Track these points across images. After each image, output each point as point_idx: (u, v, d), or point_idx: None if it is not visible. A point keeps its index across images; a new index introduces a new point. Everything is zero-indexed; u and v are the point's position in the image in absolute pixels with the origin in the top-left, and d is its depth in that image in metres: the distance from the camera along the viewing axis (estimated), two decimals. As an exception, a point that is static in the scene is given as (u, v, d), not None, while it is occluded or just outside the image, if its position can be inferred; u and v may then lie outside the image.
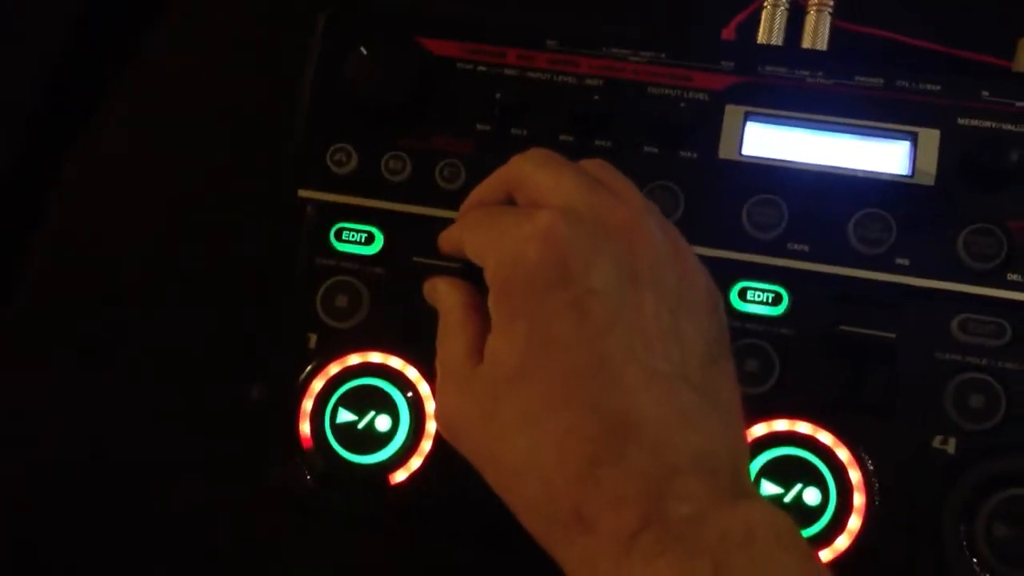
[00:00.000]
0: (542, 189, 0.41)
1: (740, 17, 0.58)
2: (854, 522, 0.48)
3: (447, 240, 0.46)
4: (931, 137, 0.50)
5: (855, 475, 0.48)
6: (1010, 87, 0.50)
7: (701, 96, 0.51)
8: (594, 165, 0.43)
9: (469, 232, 0.43)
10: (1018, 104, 0.50)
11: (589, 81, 0.52)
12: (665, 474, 0.35)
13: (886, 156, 0.50)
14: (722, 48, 0.53)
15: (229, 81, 0.63)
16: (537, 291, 0.38)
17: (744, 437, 0.40)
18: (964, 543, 0.47)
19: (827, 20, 0.55)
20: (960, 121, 0.50)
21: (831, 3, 0.56)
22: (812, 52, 0.55)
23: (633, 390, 0.36)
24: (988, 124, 0.50)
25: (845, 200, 0.50)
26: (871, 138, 0.50)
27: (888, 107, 0.50)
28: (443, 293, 0.45)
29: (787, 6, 0.56)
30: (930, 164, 0.49)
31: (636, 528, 0.34)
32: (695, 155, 0.51)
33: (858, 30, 0.57)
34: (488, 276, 0.40)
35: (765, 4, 0.57)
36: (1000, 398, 0.48)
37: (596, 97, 0.51)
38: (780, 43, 0.56)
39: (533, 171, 0.42)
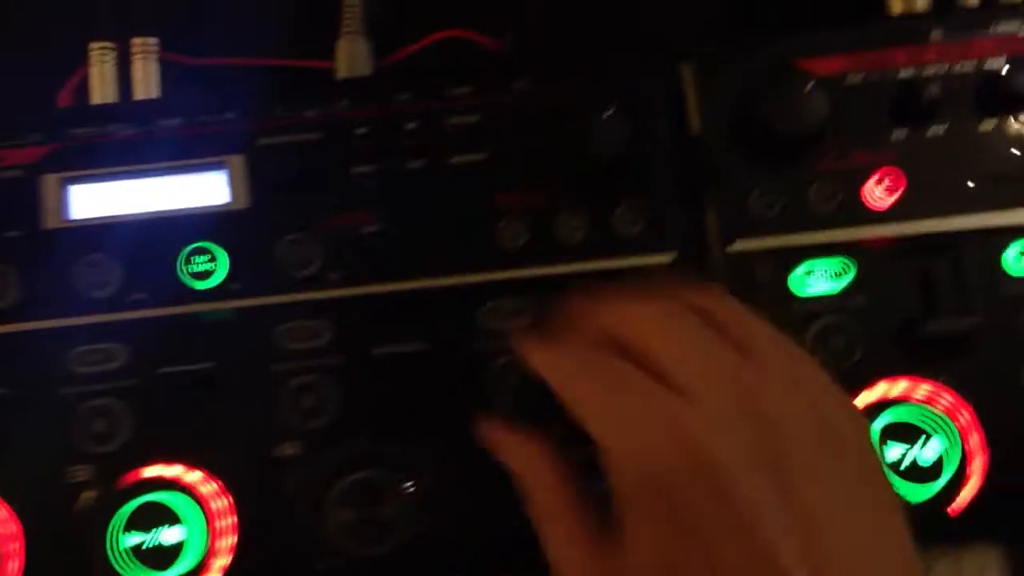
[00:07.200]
0: (665, 360, 0.38)
1: (72, 82, 0.57)
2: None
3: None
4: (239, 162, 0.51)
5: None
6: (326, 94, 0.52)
7: (15, 172, 0.50)
8: (711, 301, 0.41)
9: (583, 396, 0.39)
10: (341, 108, 0.51)
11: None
12: None
13: (205, 188, 0.51)
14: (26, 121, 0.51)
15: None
16: (675, 490, 0.36)
17: None
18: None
19: (154, 65, 0.56)
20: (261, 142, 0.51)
21: (155, 48, 0.56)
22: (108, 107, 0.55)
23: None
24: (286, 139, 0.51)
25: (173, 239, 0.50)
26: (187, 174, 0.51)
27: (196, 143, 0.51)
28: (532, 466, 0.42)
29: (114, 60, 0.56)
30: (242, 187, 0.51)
31: None
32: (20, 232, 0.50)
33: (190, 63, 0.58)
34: (612, 461, 0.38)
35: (91, 63, 0.56)
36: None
37: None
38: (116, 98, 0.56)
39: (651, 334, 0.39)
